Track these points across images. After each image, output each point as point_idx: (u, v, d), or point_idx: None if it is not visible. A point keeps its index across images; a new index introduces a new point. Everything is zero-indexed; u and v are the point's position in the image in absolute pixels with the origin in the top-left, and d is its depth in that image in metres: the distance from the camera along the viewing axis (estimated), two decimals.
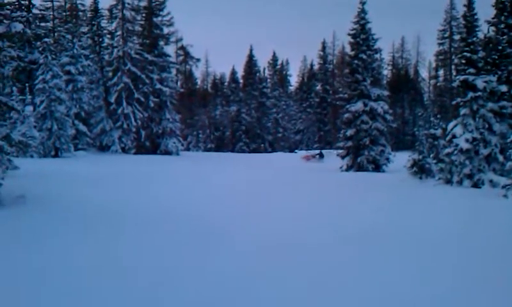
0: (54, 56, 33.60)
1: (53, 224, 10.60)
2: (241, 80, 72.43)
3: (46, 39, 37.41)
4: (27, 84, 31.87)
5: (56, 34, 41.88)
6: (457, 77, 20.71)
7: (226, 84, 78.24)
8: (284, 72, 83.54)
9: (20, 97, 28.63)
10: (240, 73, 73.54)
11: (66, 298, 5.93)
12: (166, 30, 46.12)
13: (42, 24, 41.83)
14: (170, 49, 51.69)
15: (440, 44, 64.22)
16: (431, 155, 23.03)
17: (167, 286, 6.48)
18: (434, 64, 71.58)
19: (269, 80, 75.60)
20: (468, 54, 20.34)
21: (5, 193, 13.00)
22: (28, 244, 8.72)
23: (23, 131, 27.41)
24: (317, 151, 43.73)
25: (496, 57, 21.60)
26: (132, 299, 5.98)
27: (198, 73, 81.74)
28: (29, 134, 27.69)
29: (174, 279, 6.76)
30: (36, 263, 7.43)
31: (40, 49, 36.26)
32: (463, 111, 19.80)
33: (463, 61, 20.63)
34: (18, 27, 13.32)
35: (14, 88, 26.30)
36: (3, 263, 7.43)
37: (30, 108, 29.47)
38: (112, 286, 6.39)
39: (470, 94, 19.57)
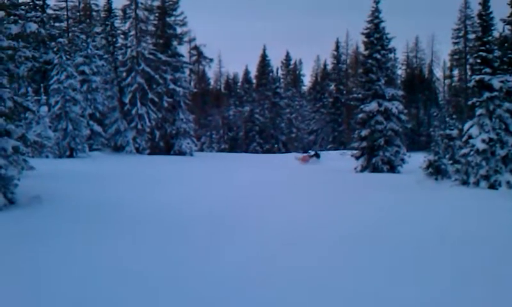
0: (68, 56, 33.83)
1: (67, 225, 10.62)
2: (254, 80, 72.34)
3: (60, 40, 37.74)
4: (41, 85, 32.16)
5: (70, 34, 42.15)
6: (473, 77, 20.46)
7: (239, 84, 78.18)
8: (297, 72, 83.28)
9: (35, 98, 28.86)
10: (253, 73, 73.54)
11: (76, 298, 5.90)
12: (179, 30, 46.23)
13: (56, 24, 42.06)
14: (183, 49, 51.70)
15: (454, 43, 63.56)
16: (447, 156, 22.80)
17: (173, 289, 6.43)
18: (448, 64, 70.83)
19: (282, 80, 75.38)
20: (484, 53, 20.10)
21: (21, 193, 13.06)
22: (42, 243, 8.72)
23: (38, 131, 27.69)
24: (312, 152, 42.02)
25: None
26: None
27: (211, 73, 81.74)
28: (44, 135, 27.94)
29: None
30: (46, 262, 7.42)
31: (55, 49, 36.53)
32: (479, 111, 19.55)
33: (479, 61, 20.39)
34: (33, 27, 13.43)
35: (29, 89, 26.58)
36: (14, 263, 7.43)
37: (45, 108, 29.71)
38: (122, 290, 6.35)
39: (486, 94, 19.31)
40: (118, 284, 6.51)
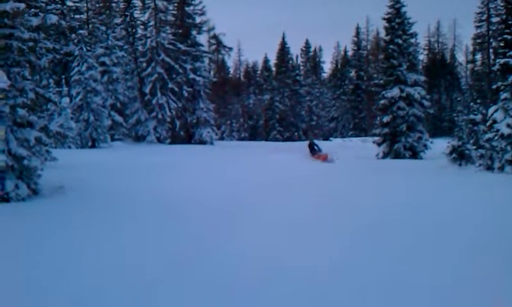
0: (88, 48, 34.07)
1: (90, 213, 10.69)
2: (274, 68, 72.03)
3: (80, 31, 37.97)
4: (63, 76, 32.44)
5: (90, 25, 42.37)
6: (497, 61, 20.05)
7: (258, 72, 78.05)
8: (317, 59, 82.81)
9: (57, 89, 29.15)
10: (272, 61, 73.15)
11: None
12: (198, 19, 46.21)
13: (76, 16, 42.41)
14: (203, 38, 51.69)
15: (477, 27, 62.42)
16: (471, 141, 22.44)
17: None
18: (471, 48, 69.91)
19: (302, 67, 75.05)
20: (509, 36, 19.64)
21: (44, 184, 13.17)
22: (65, 230, 8.78)
23: (60, 122, 27.97)
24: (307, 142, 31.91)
25: None
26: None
27: (230, 62, 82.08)
28: (67, 125, 28.25)
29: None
30: (72, 248, 7.47)
31: (75, 41, 36.78)
32: (503, 96, 19.19)
33: (503, 44, 19.98)
34: (53, 19, 13.47)
35: (50, 80, 26.82)
36: (46, 248, 7.48)
37: (67, 100, 29.98)
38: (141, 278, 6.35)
39: (511, 78, 18.94)
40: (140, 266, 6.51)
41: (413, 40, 31.82)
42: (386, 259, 7.08)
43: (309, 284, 5.93)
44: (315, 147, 28.49)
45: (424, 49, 77.15)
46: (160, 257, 7.24)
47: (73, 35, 38.27)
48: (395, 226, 9.25)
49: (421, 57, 71.62)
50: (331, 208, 11.33)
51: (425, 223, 9.54)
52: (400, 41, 29.64)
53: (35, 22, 12.90)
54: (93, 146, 31.98)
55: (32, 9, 13.78)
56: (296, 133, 62.93)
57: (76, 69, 32.43)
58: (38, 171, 13.04)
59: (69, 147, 29.41)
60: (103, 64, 36.65)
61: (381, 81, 30.71)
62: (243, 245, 7.94)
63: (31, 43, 12.73)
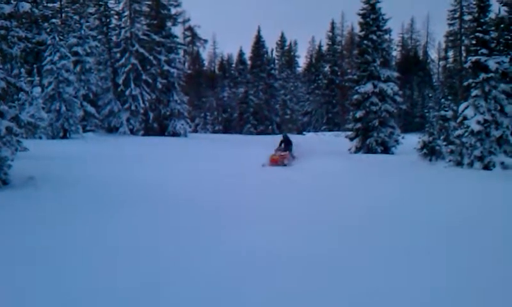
0: (61, 37, 33.51)
1: (61, 204, 10.60)
2: (249, 62, 71.83)
3: (53, 20, 37.38)
4: (34, 66, 31.89)
5: (63, 14, 41.70)
6: (469, 58, 20.43)
7: (233, 65, 77.80)
8: (292, 53, 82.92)
9: (28, 78, 28.66)
10: (247, 54, 72.83)
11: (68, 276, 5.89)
12: (173, 10, 45.86)
13: (49, 5, 41.62)
14: (177, 30, 51.43)
15: (450, 25, 63.12)
16: (441, 137, 22.89)
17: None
18: (443, 45, 70.78)
19: (277, 61, 75.08)
20: (480, 34, 20.06)
21: (15, 174, 13.00)
22: (37, 223, 8.69)
23: (31, 112, 27.57)
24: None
25: (509, 37, 21.29)
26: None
27: (205, 55, 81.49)
28: (38, 116, 27.82)
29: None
30: (41, 241, 7.40)
31: (48, 30, 36.18)
32: (474, 93, 19.57)
33: (475, 42, 20.37)
34: (26, 6, 13.22)
35: (22, 69, 26.36)
36: (10, 242, 7.40)
37: (38, 89, 29.51)
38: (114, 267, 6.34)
39: (482, 76, 19.33)
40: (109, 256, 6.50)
41: (387, 36, 32.17)
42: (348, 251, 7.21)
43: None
44: (282, 144, 22.16)
45: (398, 45, 77.99)
46: (133, 242, 7.25)
47: (46, 24, 37.65)
48: (374, 221, 9.40)
49: (394, 53, 72.43)
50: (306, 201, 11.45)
51: (403, 217, 9.71)
52: (374, 37, 29.92)
53: (7, 9, 12.68)
54: (64, 137, 31.55)
55: None
56: (269, 127, 63.04)
57: (48, 58, 31.88)
58: (9, 161, 12.87)
59: (40, 138, 28.95)
60: (76, 54, 36.10)
61: (355, 76, 30.99)
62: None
63: (2, 31, 12.54)
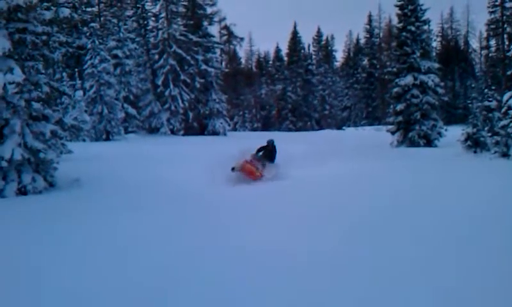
0: (101, 41, 34.14)
1: (105, 204, 10.80)
2: (286, 58, 71.72)
3: (92, 24, 38.09)
4: (76, 69, 32.58)
5: (102, 18, 42.50)
6: None
7: (270, 62, 77.80)
8: (329, 48, 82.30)
9: (70, 82, 29.32)
10: (284, 50, 72.80)
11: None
12: (209, 10, 46.13)
13: (88, 9, 42.49)
14: (214, 29, 51.52)
15: (491, 12, 61.38)
16: (486, 128, 22.26)
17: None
18: (485, 34, 68.91)
19: (314, 56, 74.56)
20: None
21: (60, 176, 13.31)
22: (82, 221, 8.87)
23: (75, 115, 28.17)
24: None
25: None
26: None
27: (241, 53, 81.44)
28: (81, 119, 28.42)
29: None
30: (89, 238, 7.55)
31: (87, 34, 36.92)
32: None
33: None
34: (66, 12, 13.51)
35: (64, 74, 26.99)
36: (59, 242, 7.56)
37: (80, 93, 30.13)
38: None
39: None
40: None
41: (426, 27, 31.41)
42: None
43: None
44: (258, 156, 15.73)
45: (437, 36, 76.29)
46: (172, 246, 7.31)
47: (85, 28, 38.43)
48: (417, 212, 9.18)
49: (434, 44, 70.79)
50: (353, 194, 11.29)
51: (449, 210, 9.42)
52: (413, 28, 29.36)
53: (48, 15, 12.99)
54: (107, 139, 32.16)
55: (45, 3, 13.87)
56: (308, 123, 62.75)
57: (89, 62, 32.58)
58: (54, 163, 13.19)
59: (84, 140, 29.58)
60: (115, 56, 36.78)
61: (394, 69, 30.45)
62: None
63: (44, 37, 12.83)
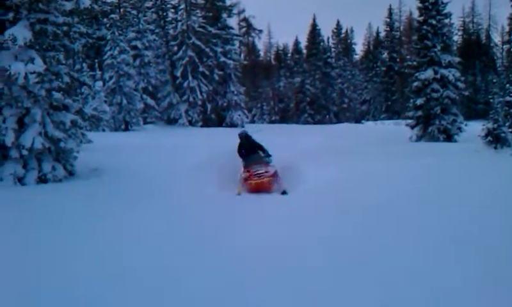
0: (120, 32, 34.38)
1: (126, 194, 10.91)
2: (305, 51, 71.38)
3: (112, 15, 38.37)
4: (96, 60, 32.87)
5: (121, 9, 42.75)
6: None
7: (289, 55, 77.51)
8: (349, 41, 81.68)
9: (90, 73, 29.58)
10: (303, 43, 72.48)
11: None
12: (228, 2, 46.33)
13: (108, 0, 42.81)
14: (233, 21, 51.62)
15: None
16: (507, 124, 21.95)
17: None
18: (507, 28, 67.71)
19: (333, 49, 74.01)
20: None
21: (80, 166, 13.46)
22: (101, 208, 8.98)
23: (94, 106, 28.45)
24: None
25: None
26: None
27: (260, 45, 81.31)
28: (100, 109, 28.71)
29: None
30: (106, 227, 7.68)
31: (107, 25, 37.20)
32: None
33: None
34: (86, 3, 13.60)
35: (84, 64, 27.23)
36: (79, 228, 7.65)
37: (100, 83, 30.41)
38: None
39: None
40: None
41: (447, 21, 30.93)
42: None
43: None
44: (244, 151, 13.00)
45: (459, 30, 75.19)
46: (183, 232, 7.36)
47: (105, 19, 38.72)
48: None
49: (455, 38, 69.67)
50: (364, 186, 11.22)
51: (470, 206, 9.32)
52: (434, 22, 28.98)
53: (69, 6, 13.08)
54: (126, 129, 32.43)
55: None
56: (327, 116, 62.46)
57: (108, 53, 32.83)
58: (74, 153, 13.35)
59: (103, 130, 29.89)
60: (135, 48, 36.99)
61: (414, 63, 30.09)
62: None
63: (65, 28, 12.93)
